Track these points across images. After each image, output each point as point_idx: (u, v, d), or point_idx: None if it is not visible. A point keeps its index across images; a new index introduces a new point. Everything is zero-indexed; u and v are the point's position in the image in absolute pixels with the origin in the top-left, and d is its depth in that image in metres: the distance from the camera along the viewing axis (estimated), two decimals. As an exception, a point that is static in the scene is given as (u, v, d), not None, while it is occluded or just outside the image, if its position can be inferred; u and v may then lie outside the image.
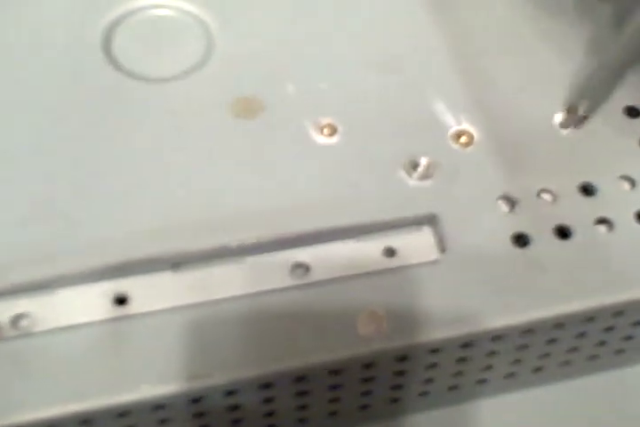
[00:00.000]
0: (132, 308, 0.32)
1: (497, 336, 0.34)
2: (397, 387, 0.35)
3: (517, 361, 0.37)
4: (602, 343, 0.37)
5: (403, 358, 0.33)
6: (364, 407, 0.36)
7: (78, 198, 0.34)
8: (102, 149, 0.36)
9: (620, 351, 0.39)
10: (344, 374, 0.33)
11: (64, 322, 0.31)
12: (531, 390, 0.39)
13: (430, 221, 0.35)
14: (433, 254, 0.34)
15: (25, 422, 0.30)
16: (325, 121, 0.37)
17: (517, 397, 0.39)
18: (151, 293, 0.32)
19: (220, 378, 0.31)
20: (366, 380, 0.34)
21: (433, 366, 0.35)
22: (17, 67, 0.38)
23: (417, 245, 0.34)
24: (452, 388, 0.37)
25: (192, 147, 0.36)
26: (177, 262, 0.33)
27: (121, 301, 0.32)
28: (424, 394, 0.37)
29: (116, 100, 0.37)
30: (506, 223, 0.35)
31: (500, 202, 0.36)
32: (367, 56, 0.40)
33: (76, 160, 0.35)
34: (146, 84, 0.38)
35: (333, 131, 0.37)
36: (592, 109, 0.38)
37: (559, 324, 0.35)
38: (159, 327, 0.32)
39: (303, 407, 0.35)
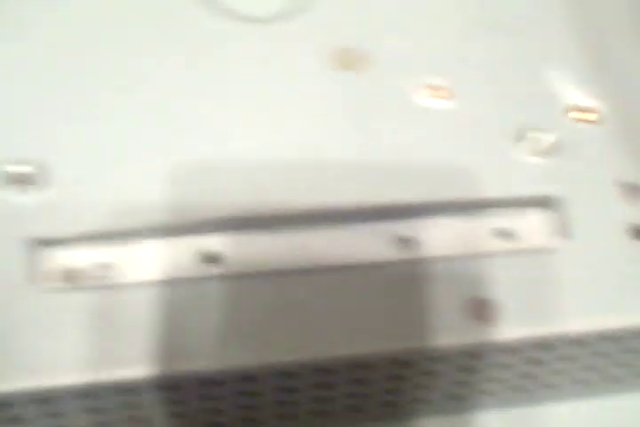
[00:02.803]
0: (223, 267, 0.29)
1: (608, 337, 0.31)
2: (492, 380, 0.32)
3: (624, 364, 0.33)
4: None
5: (505, 350, 0.30)
6: (453, 398, 0.33)
7: (174, 148, 0.32)
8: (188, 90, 0.33)
9: None
10: (441, 361, 0.30)
11: (147, 276, 0.29)
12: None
13: (548, 203, 0.32)
14: (548, 240, 0.31)
15: (83, 384, 0.27)
16: (434, 82, 0.34)
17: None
18: (243, 253, 0.29)
19: (306, 355, 0.28)
20: (463, 369, 0.31)
21: (536, 362, 0.31)
22: (112, 4, 0.35)
23: (533, 229, 0.31)
24: (549, 386, 0.34)
25: (287, 97, 0.33)
26: (273, 223, 0.30)
27: (211, 259, 0.29)
28: (517, 390, 0.34)
29: (207, 40, 0.34)
30: (625, 213, 0.32)
31: (619, 188, 0.33)
32: (483, 15, 0.36)
33: (163, 103, 0.33)
34: (243, 24, 0.35)
35: (442, 93, 0.34)
36: None
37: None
38: (247, 291, 0.29)
39: (394, 390, 0.32)
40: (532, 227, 0.32)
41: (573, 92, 0.34)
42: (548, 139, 0.33)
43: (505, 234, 0.31)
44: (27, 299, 0.28)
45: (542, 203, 0.32)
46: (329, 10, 0.36)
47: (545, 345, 0.31)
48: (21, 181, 0.29)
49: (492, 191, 0.32)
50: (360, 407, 0.32)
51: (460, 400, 0.33)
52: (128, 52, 0.34)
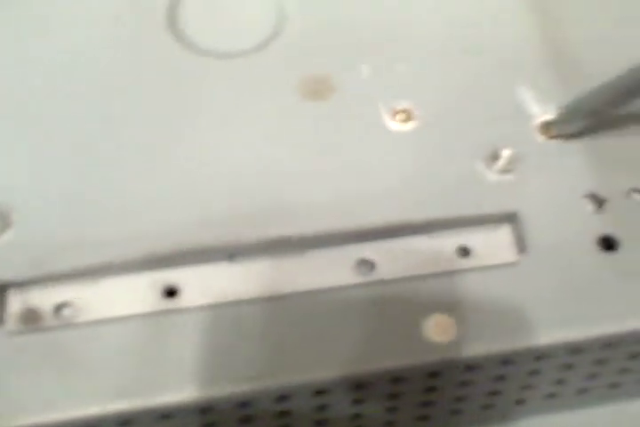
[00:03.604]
0: (183, 301, 0.30)
1: (576, 349, 0.31)
2: (461, 399, 0.33)
3: (592, 376, 0.33)
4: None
5: (470, 368, 0.30)
6: (423, 419, 0.33)
7: (131, 183, 0.32)
8: (160, 129, 0.33)
9: None
10: (405, 383, 0.30)
11: (109, 313, 0.29)
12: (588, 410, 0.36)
13: (510, 219, 0.32)
14: (511, 256, 0.31)
15: (57, 422, 0.27)
16: (401, 106, 0.34)
17: (586, 412, 0.36)
18: (204, 285, 0.30)
19: (271, 382, 0.29)
20: (428, 390, 0.31)
21: (501, 378, 0.32)
22: (77, 41, 0.36)
23: (494, 245, 0.32)
24: (520, 401, 0.34)
25: (255, 129, 0.33)
26: (233, 253, 0.30)
27: (171, 293, 0.30)
28: (487, 407, 0.34)
29: (178, 77, 0.35)
30: (591, 224, 0.32)
31: (586, 200, 0.33)
32: (449, 36, 0.36)
33: (132, 140, 0.33)
34: (211, 59, 0.35)
35: (409, 117, 0.34)
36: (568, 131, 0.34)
37: (645, 338, 0.31)
38: (210, 323, 0.29)
39: (358, 416, 0.32)
40: (499, 243, 0.32)
41: (540, 110, 0.34)
42: (514, 156, 0.33)
43: (471, 252, 0.32)
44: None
45: (509, 219, 0.32)
46: (293, 42, 0.36)
47: (511, 360, 0.31)
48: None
49: (458, 210, 0.32)
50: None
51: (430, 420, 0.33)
52: (97, 88, 0.34)
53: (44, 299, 0.29)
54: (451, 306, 0.30)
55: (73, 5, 0.37)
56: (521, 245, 0.31)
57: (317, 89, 0.35)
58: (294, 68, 0.35)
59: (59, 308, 0.29)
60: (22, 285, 0.29)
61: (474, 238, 0.32)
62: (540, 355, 0.31)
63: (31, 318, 0.29)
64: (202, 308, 0.29)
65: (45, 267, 0.29)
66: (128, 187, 0.32)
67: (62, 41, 0.36)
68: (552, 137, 0.34)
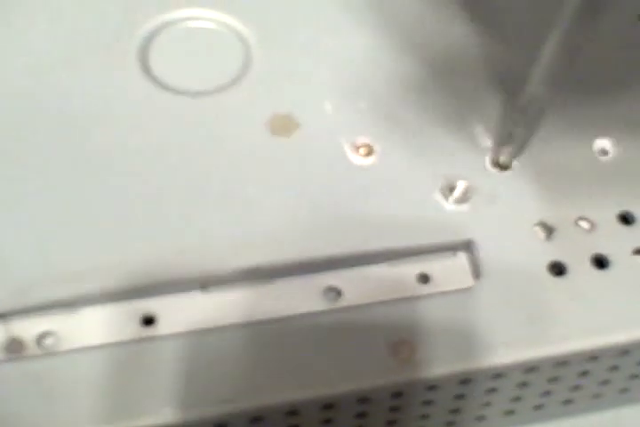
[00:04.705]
0: (160, 328, 0.31)
1: (530, 368, 0.33)
2: (424, 417, 0.35)
3: (547, 393, 0.36)
4: (634, 377, 0.36)
5: (432, 387, 0.32)
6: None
7: (107, 215, 0.34)
8: (132, 164, 0.35)
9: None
10: (371, 402, 0.32)
11: (89, 342, 0.31)
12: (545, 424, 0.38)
13: (466, 246, 0.34)
14: (467, 281, 0.33)
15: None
16: (362, 141, 0.36)
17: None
18: (179, 313, 0.31)
19: (245, 404, 0.30)
20: (394, 409, 0.33)
21: (461, 396, 0.34)
22: (49, 77, 0.37)
23: (451, 272, 0.34)
24: (480, 418, 0.36)
25: (225, 164, 0.35)
26: (206, 283, 0.32)
27: (148, 321, 0.31)
28: (450, 424, 0.36)
29: (149, 114, 0.36)
30: (542, 251, 0.34)
31: (536, 229, 0.35)
32: (407, 74, 0.39)
33: (105, 175, 0.35)
34: (180, 97, 0.37)
35: (370, 151, 0.36)
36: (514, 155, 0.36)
37: (594, 356, 0.34)
38: (186, 349, 0.31)
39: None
40: (456, 269, 0.34)
41: (490, 142, 0.37)
42: (469, 187, 0.35)
43: (430, 278, 0.34)
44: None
45: (465, 246, 0.34)
46: (259, 81, 0.38)
47: (469, 380, 0.33)
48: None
49: (418, 239, 0.34)
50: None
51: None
52: (67, 129, 0.36)
53: (26, 329, 0.31)
54: (412, 330, 0.32)
55: (46, 47, 0.39)
56: (476, 271, 0.33)
57: (283, 125, 0.37)
58: (261, 106, 0.37)
59: (41, 337, 0.31)
60: (5, 315, 0.31)
61: (432, 265, 0.34)
62: (497, 374, 0.33)
63: (14, 348, 0.30)
64: (178, 335, 0.31)
65: (27, 298, 0.31)
66: (102, 219, 0.33)
67: (34, 82, 0.37)
68: (503, 168, 0.36)
